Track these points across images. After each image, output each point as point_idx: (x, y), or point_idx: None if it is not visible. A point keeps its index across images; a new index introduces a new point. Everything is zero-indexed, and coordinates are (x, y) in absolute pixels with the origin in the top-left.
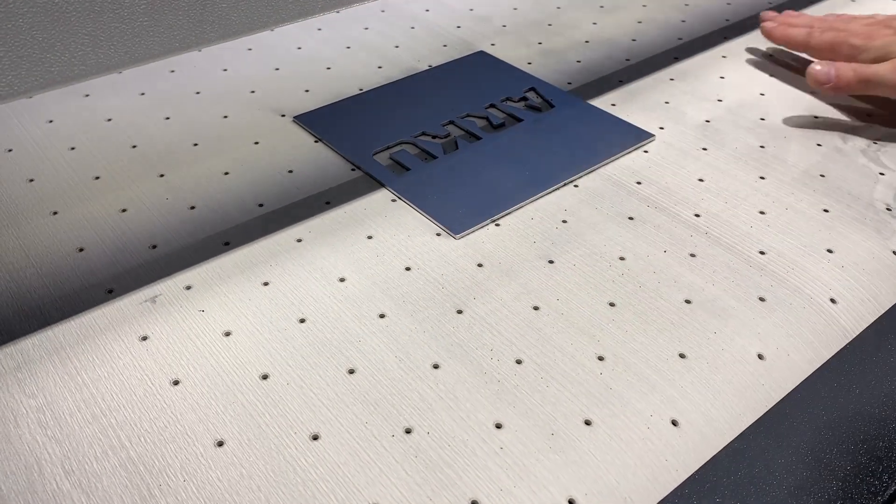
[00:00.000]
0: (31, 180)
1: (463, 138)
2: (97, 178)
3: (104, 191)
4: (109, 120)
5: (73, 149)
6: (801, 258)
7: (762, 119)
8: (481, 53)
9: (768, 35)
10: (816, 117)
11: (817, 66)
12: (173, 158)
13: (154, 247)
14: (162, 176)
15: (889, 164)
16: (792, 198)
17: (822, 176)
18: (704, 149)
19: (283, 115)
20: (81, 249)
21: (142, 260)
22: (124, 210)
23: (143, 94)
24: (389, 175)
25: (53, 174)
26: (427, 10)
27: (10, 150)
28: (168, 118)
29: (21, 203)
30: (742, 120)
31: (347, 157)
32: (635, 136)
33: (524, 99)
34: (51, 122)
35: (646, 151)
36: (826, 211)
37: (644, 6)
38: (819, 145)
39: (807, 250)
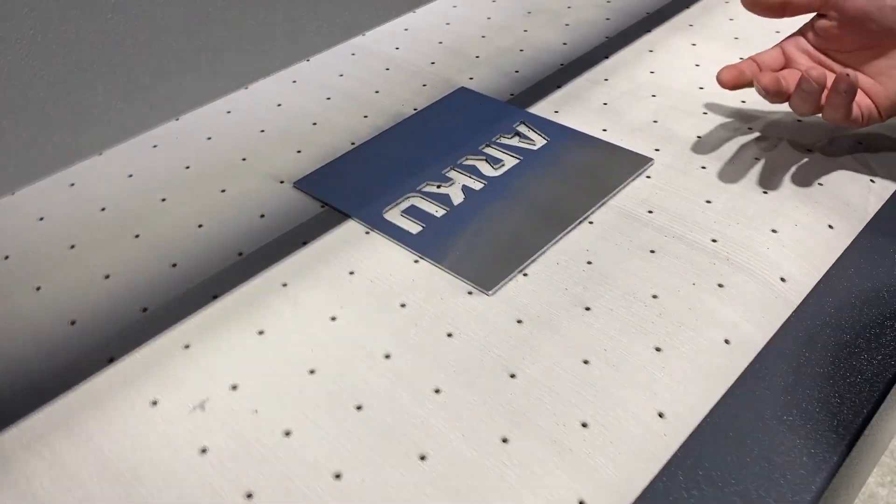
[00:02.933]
0: (7, 257)
1: (468, 184)
2: (72, 246)
3: (83, 259)
4: (103, 210)
5: (41, 219)
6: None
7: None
8: (463, 90)
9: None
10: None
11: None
12: (179, 244)
13: (145, 309)
14: (137, 236)
15: (877, 168)
16: (798, 213)
17: (821, 185)
18: (703, 167)
19: (283, 182)
20: (73, 322)
21: (135, 323)
22: (107, 276)
23: (130, 175)
24: (407, 235)
25: (29, 247)
26: (397, 48)
27: None
28: (164, 199)
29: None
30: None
31: (358, 219)
32: (636, 163)
33: (517, 134)
34: (41, 219)
35: (648, 177)
36: (831, 227)
37: (607, 19)
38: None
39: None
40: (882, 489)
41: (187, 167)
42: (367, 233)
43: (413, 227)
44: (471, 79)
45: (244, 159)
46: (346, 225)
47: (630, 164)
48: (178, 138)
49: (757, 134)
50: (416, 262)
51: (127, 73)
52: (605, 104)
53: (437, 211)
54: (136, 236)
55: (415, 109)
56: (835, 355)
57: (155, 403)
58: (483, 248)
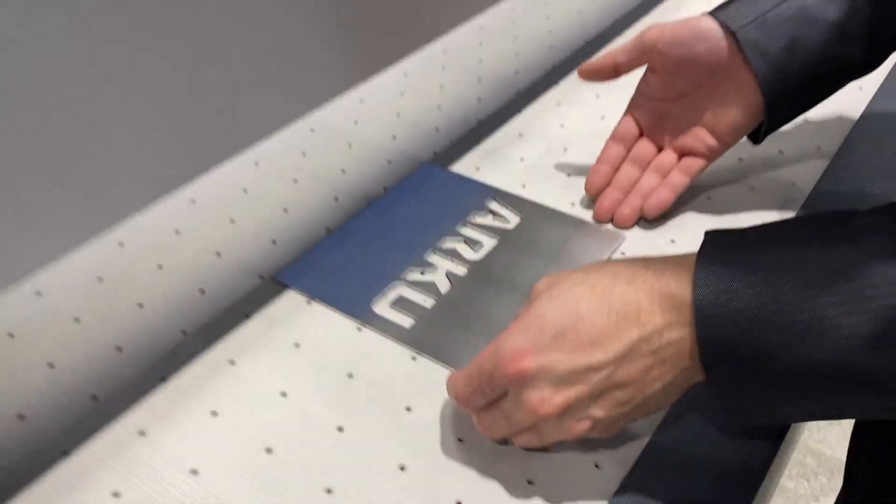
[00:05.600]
0: None
1: (451, 269)
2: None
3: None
4: (77, 320)
5: None
6: None
7: None
8: (429, 166)
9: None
10: None
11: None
12: (164, 352)
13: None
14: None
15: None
16: None
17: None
18: (672, 241)
19: (262, 277)
20: (21, 416)
21: (86, 412)
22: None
23: (100, 278)
24: (399, 330)
25: None
26: (356, 123)
27: None
28: (142, 305)
29: None
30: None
31: (348, 314)
32: (609, 239)
33: (490, 212)
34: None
35: (623, 253)
36: None
37: (517, 73)
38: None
39: None
40: (790, 482)
41: (160, 266)
42: (359, 329)
43: (405, 321)
44: (435, 152)
45: (219, 254)
46: (337, 321)
47: (604, 241)
48: (146, 233)
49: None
50: (413, 358)
51: (81, 174)
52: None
53: (426, 301)
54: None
55: (384, 189)
56: None
57: (116, 495)
58: (478, 344)
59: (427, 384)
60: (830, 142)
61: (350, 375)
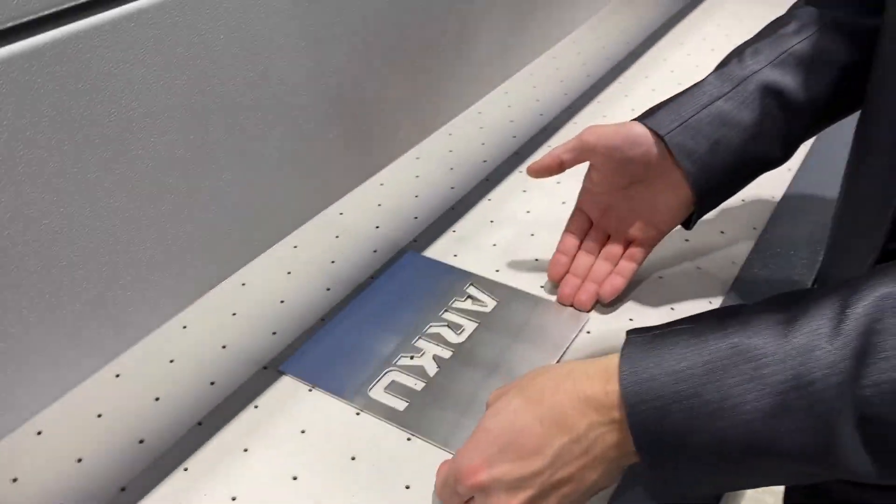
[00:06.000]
0: None
1: (437, 352)
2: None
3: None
4: (80, 460)
5: None
6: None
7: None
8: (412, 254)
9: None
10: None
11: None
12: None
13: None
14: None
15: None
16: None
17: None
18: (631, 319)
19: (266, 368)
20: None
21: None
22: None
23: (117, 375)
24: (395, 413)
25: None
26: (341, 214)
27: None
28: (158, 398)
29: None
30: None
31: (347, 400)
32: (576, 319)
33: (469, 297)
34: None
35: (588, 332)
36: None
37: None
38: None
39: None
40: None
41: (171, 360)
42: (358, 414)
43: (399, 404)
44: (415, 240)
45: (224, 347)
46: (337, 407)
47: (571, 321)
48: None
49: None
50: (408, 439)
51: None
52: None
53: (417, 384)
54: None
55: (371, 277)
56: None
57: None
58: (469, 426)
59: (423, 463)
60: (761, 219)
61: (353, 458)
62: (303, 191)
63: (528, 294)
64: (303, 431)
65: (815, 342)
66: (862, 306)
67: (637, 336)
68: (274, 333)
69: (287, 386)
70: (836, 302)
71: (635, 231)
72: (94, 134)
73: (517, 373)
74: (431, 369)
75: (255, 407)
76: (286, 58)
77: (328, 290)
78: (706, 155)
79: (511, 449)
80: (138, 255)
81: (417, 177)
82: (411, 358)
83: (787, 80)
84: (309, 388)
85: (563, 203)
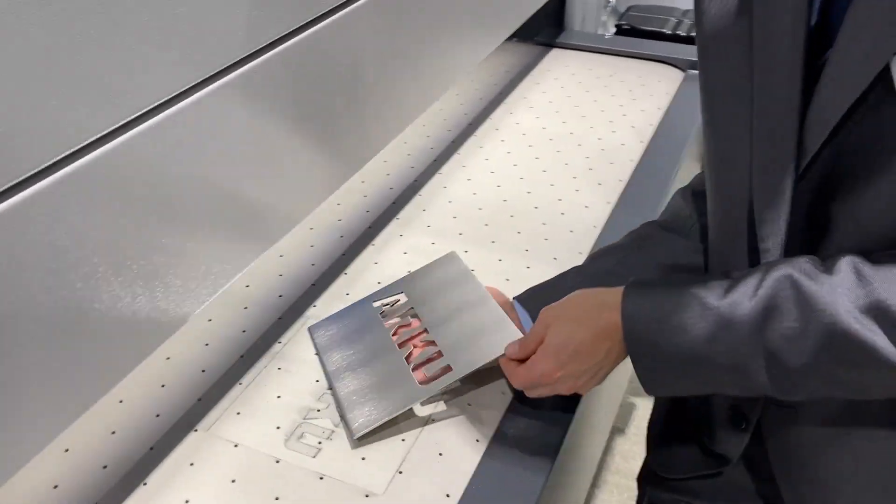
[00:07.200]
0: None
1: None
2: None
3: None
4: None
5: None
6: None
7: None
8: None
9: None
10: None
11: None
12: None
13: None
14: None
15: None
16: None
17: None
18: None
19: (196, 430)
20: None
21: None
22: None
23: None
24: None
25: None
26: (247, 286)
27: None
28: (106, 466)
29: None
30: None
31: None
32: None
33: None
34: None
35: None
36: None
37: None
38: None
39: None
40: None
41: (113, 432)
42: (278, 461)
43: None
44: (314, 305)
45: (158, 416)
46: (259, 454)
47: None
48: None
49: None
50: (321, 478)
51: None
52: None
53: (325, 432)
54: None
55: (279, 342)
56: None
57: None
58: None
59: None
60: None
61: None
62: (212, 265)
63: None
64: (233, 481)
65: (741, 300)
66: (771, 279)
67: (633, 287)
68: (199, 400)
69: (214, 445)
70: (758, 276)
71: None
72: None
73: None
74: (336, 420)
75: (191, 464)
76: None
77: (242, 356)
78: None
79: (574, 355)
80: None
81: (313, 246)
82: (318, 411)
83: None
84: (235, 444)
85: (433, 243)
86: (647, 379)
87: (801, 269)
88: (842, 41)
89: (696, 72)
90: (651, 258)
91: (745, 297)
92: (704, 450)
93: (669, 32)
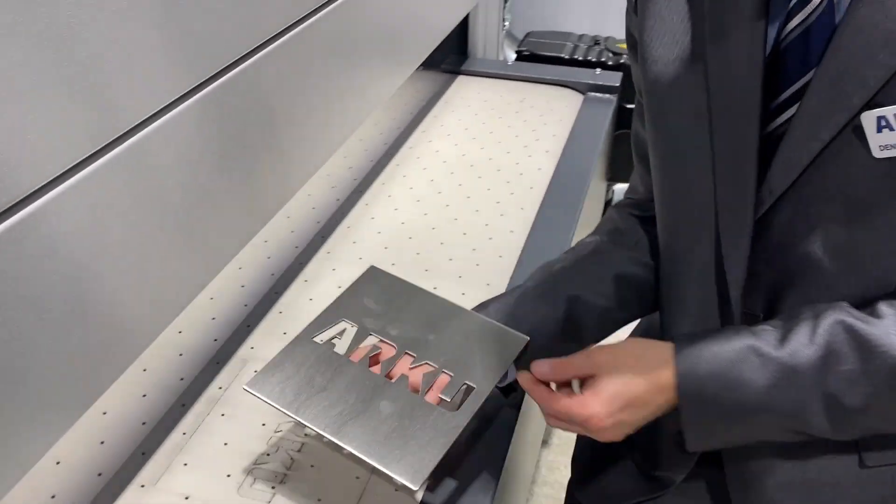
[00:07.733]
0: None
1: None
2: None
3: None
4: None
5: None
6: None
7: None
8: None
9: None
10: None
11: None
12: None
13: None
14: None
15: None
16: None
17: None
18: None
19: (143, 486)
20: None
21: None
22: None
23: None
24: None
25: None
26: (180, 332)
27: None
28: (53, 496)
29: None
30: None
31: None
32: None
33: None
34: None
35: None
36: None
37: None
38: None
39: None
40: None
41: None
42: None
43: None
44: (252, 348)
45: (99, 474)
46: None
47: None
48: None
49: None
50: None
51: None
52: None
53: (277, 475)
54: None
55: (220, 388)
56: None
57: None
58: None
59: None
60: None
61: None
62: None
63: None
64: None
65: (799, 348)
66: (826, 325)
67: (684, 343)
68: (143, 454)
69: (163, 500)
70: (808, 323)
71: None
72: None
73: None
74: (287, 462)
75: None
76: None
77: (183, 405)
78: None
79: (627, 407)
80: None
81: (243, 286)
82: (267, 455)
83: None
84: (185, 496)
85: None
86: (697, 432)
87: (849, 313)
88: (816, 85)
89: (596, 94)
90: (607, 271)
91: (802, 345)
92: (643, 475)
93: (567, 57)
